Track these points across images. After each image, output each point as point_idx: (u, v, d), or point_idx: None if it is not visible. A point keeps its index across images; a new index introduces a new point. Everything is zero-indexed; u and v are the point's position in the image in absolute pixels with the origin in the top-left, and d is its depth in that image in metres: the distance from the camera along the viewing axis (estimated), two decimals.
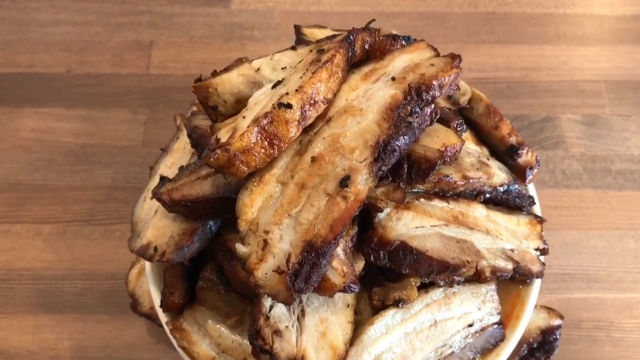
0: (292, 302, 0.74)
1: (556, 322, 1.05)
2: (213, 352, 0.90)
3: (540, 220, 1.00)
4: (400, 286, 0.85)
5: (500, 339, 0.93)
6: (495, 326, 0.92)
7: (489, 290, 0.89)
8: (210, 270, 0.89)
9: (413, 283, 0.84)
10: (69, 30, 1.54)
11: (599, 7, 1.59)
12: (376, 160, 0.73)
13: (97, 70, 1.49)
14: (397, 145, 0.74)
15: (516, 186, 0.97)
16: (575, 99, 1.47)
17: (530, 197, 1.00)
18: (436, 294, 0.87)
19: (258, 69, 0.81)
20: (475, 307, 0.89)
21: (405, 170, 0.78)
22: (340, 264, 0.78)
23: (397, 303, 0.84)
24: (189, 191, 0.80)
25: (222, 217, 0.83)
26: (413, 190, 0.86)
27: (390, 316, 0.85)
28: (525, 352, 1.04)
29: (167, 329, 0.94)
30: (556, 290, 1.27)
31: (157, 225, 0.87)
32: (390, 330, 0.84)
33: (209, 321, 0.90)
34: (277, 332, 0.81)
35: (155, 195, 0.82)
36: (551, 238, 1.29)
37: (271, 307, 0.82)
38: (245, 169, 0.73)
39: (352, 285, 0.78)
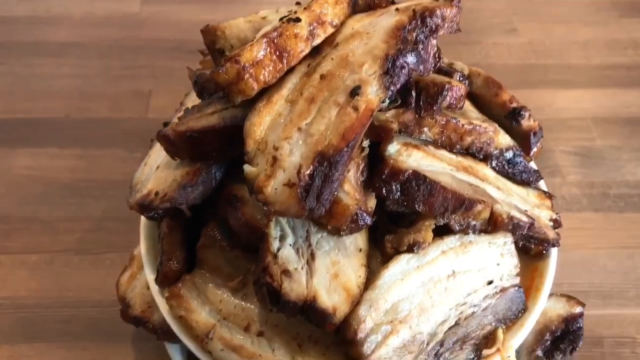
0: (304, 214, 0.69)
1: (577, 309, 0.99)
2: (213, 319, 0.82)
3: (549, 195, 0.98)
4: (414, 230, 0.80)
5: (522, 308, 0.87)
6: (516, 289, 0.86)
7: (506, 242, 0.85)
8: (212, 227, 0.84)
9: (427, 224, 0.80)
10: (70, 82, 1.58)
11: (576, 59, 1.68)
12: (385, 74, 0.73)
13: (95, 115, 1.51)
14: (405, 62, 0.74)
15: (521, 159, 0.96)
16: (566, 134, 1.50)
17: (537, 171, 0.98)
18: (452, 241, 0.82)
19: (264, 17, 0.84)
20: (494, 261, 0.84)
21: (413, 97, 0.78)
22: (352, 189, 0.75)
23: (411, 248, 0.79)
24: (194, 124, 0.78)
25: (228, 157, 0.80)
26: (421, 137, 0.85)
27: (405, 261, 0.79)
28: (549, 342, 0.96)
29: (161, 303, 0.87)
30: None
31: (158, 177, 0.83)
32: (406, 276, 0.79)
33: (210, 285, 0.84)
34: (285, 272, 0.75)
35: (159, 133, 0.80)
36: (559, 257, 1.25)
37: (279, 249, 0.77)
38: (255, 84, 0.73)
39: (364, 214, 0.75)
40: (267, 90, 0.75)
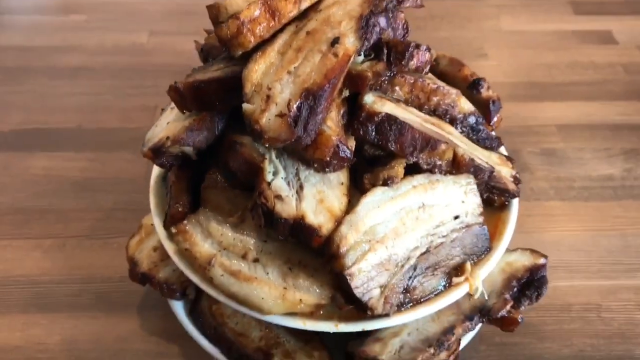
0: (293, 138, 0.83)
1: (541, 260, 1.10)
2: (214, 250, 0.94)
3: (510, 159, 1.11)
4: (387, 168, 0.94)
5: (487, 245, 0.99)
6: (480, 226, 0.98)
7: (469, 182, 0.97)
8: (214, 171, 0.97)
9: (399, 162, 0.93)
10: (82, 99, 1.74)
11: (541, 77, 1.86)
12: (360, 29, 0.89)
13: (105, 125, 1.66)
14: (377, 21, 0.90)
15: (483, 127, 1.10)
16: (532, 138, 1.65)
17: (498, 137, 1.12)
18: (421, 178, 0.95)
19: None
20: (459, 198, 0.97)
21: (385, 54, 0.93)
22: (334, 125, 0.89)
23: (386, 182, 0.93)
24: (201, 76, 0.93)
25: (229, 106, 0.94)
26: (393, 96, 1.00)
27: (381, 192, 0.92)
28: (516, 289, 1.07)
29: (168, 245, 0.98)
30: None
31: (169, 128, 0.97)
32: (382, 204, 0.91)
33: (212, 221, 0.96)
34: (278, 197, 0.88)
35: (171, 86, 0.94)
36: (529, 239, 1.38)
37: (272, 180, 0.90)
38: (252, 38, 0.88)
39: (345, 147, 0.88)
40: (262, 45, 0.90)
